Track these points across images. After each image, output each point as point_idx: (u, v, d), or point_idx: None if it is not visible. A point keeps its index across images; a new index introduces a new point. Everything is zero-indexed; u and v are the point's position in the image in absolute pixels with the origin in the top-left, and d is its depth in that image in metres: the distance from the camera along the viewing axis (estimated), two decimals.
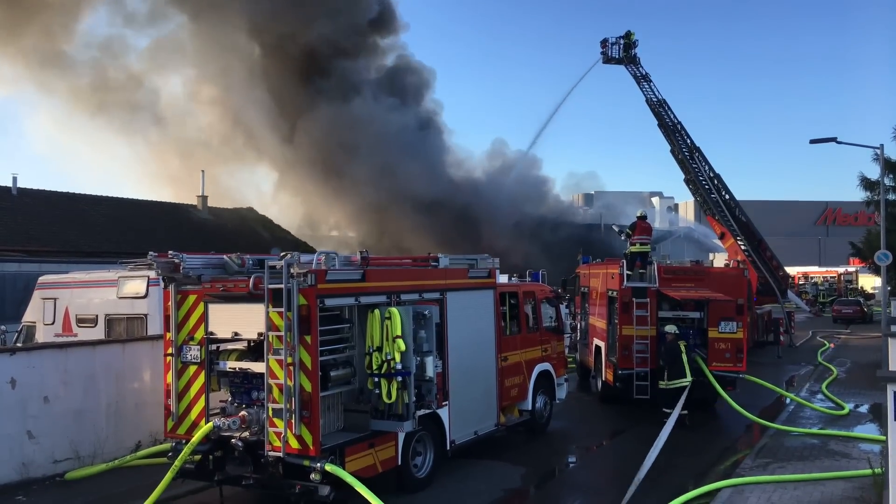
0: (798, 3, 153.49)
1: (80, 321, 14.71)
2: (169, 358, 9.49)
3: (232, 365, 9.22)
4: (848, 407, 15.47)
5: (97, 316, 14.41)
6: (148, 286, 13.59)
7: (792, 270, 44.65)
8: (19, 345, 14.63)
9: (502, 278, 13.66)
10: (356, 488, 8.10)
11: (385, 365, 8.87)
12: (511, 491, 10.53)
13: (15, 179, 30.75)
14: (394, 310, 8.99)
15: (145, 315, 13.64)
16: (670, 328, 14.79)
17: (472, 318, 11.45)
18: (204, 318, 9.28)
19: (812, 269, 62.10)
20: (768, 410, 15.72)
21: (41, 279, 16.07)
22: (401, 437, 9.56)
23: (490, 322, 12.02)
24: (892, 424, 6.19)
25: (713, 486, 9.81)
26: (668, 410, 13.50)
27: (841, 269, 59.06)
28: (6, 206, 29.12)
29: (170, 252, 9.24)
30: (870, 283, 55.28)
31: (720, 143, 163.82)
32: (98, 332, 14.08)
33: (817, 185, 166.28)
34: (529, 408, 13.19)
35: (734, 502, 9.27)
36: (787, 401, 16.65)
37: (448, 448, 10.62)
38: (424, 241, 35.29)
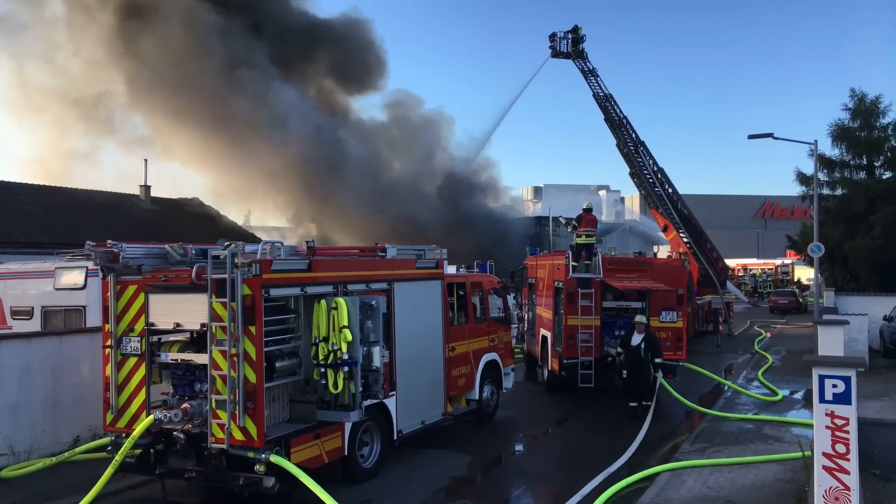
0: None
1: (14, 313, 14.27)
2: (108, 350, 9.26)
3: (174, 356, 9.07)
4: (782, 393, 16.11)
5: (33, 308, 14.00)
6: (86, 277, 13.26)
7: (732, 262, 46.10)
8: None
9: (450, 269, 13.74)
10: (301, 479, 8.07)
11: (331, 355, 8.84)
12: (457, 479, 10.65)
13: None
14: (340, 300, 8.96)
15: (84, 307, 13.31)
16: (640, 318, 14.68)
17: (419, 309, 11.49)
18: (144, 308, 9.09)
19: (751, 261, 64.25)
20: (707, 397, 16.24)
21: None
22: (347, 427, 9.56)
23: (437, 312, 12.09)
24: (818, 406, 6.49)
25: (652, 471, 10.11)
26: (633, 404, 13.92)
27: (778, 262, 61.27)
28: None
29: (108, 241, 9.02)
30: (805, 274, 57.38)
31: (664, 138, 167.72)
32: (34, 325, 13.67)
33: (756, 181, 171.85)
34: (476, 397, 13.32)
35: (672, 485, 9.57)
36: (725, 388, 17.23)
37: (395, 438, 10.67)
38: (369, 232, 35.12)
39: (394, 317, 10.70)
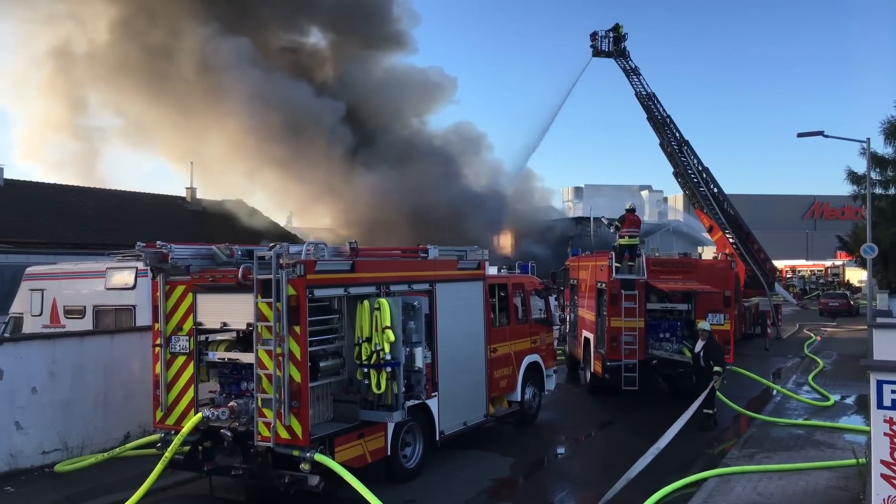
0: None
1: (67, 312, 14.66)
2: (157, 349, 9.47)
3: (221, 355, 9.23)
4: (834, 398, 15.65)
5: (85, 307, 14.36)
6: (136, 277, 13.56)
7: (780, 264, 45.07)
8: (6, 336, 14.54)
9: (492, 270, 13.70)
10: (345, 478, 8.12)
11: (374, 355, 8.88)
12: (499, 481, 10.59)
13: (1, 170, 30.53)
14: (383, 300, 8.99)
15: (134, 306, 13.61)
16: (703, 325, 14.15)
17: (461, 310, 11.48)
18: (192, 308, 9.26)
19: (799, 263, 62.69)
20: (755, 402, 15.87)
21: (28, 270, 15.99)
22: (390, 427, 9.60)
23: (479, 313, 12.05)
24: (876, 412, 6.27)
25: (700, 476, 9.91)
26: (708, 411, 13.42)
27: (828, 263, 59.65)
28: None
29: (158, 242, 9.21)
30: (856, 276, 55.75)
31: (709, 137, 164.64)
32: (86, 324, 14.03)
33: (805, 180, 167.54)
34: (518, 399, 13.25)
35: (720, 491, 9.36)
36: (774, 392, 16.81)
37: (437, 438, 10.67)
38: (412, 235, 35.13)
39: (436, 318, 10.70)
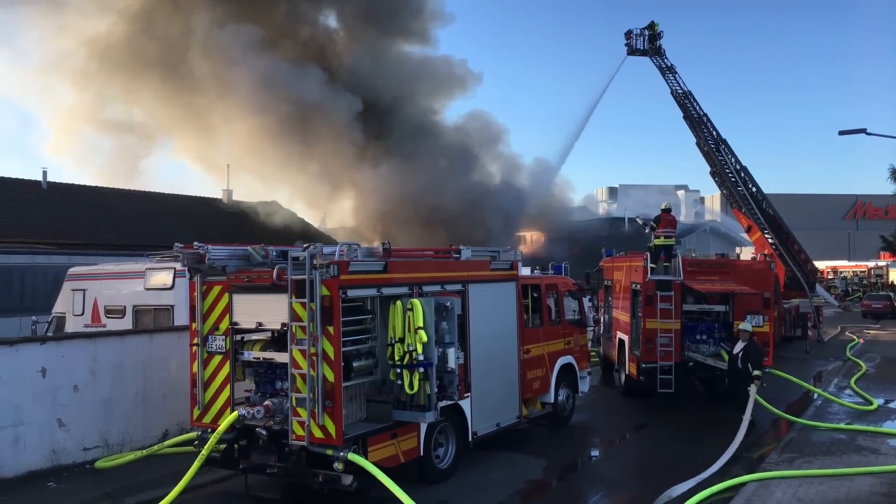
0: None
1: (108, 312, 14.97)
2: (195, 348, 9.62)
3: (256, 355, 9.34)
4: (877, 402, 15.23)
5: (125, 307, 14.65)
6: (174, 278, 13.78)
7: (820, 264, 44.00)
8: (49, 335, 14.92)
9: (524, 271, 13.62)
10: (379, 478, 8.16)
11: (407, 356, 8.89)
12: (533, 482, 10.53)
13: (45, 173, 31.39)
14: (416, 301, 9.01)
15: (172, 306, 13.83)
16: (744, 326, 13.72)
17: (494, 310, 11.44)
18: (228, 308, 9.39)
19: (841, 264, 61.12)
20: (795, 405, 15.53)
21: (71, 271, 16.37)
22: (423, 427, 9.60)
23: (512, 314, 12.00)
24: None
25: (739, 480, 9.72)
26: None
27: (871, 264, 58.08)
28: (36, 200, 29.69)
29: (195, 243, 9.35)
30: None
31: (747, 136, 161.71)
32: (126, 323, 14.32)
33: (847, 179, 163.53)
34: (552, 400, 13.16)
35: (759, 496, 9.17)
36: (815, 396, 16.42)
37: (470, 439, 10.64)
38: (442, 234, 34.94)
39: (468, 318, 10.68)
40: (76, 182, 33.44)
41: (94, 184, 34.40)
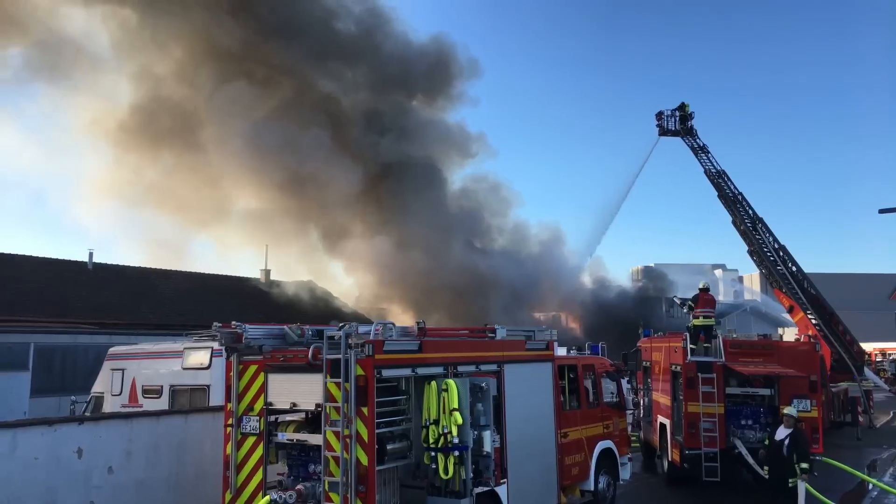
0: (849, 74, 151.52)
1: (145, 392, 15.05)
2: (229, 429, 9.58)
3: (290, 436, 9.24)
4: None
5: (162, 387, 14.72)
6: (211, 357, 13.88)
7: (867, 346, 42.51)
8: (87, 415, 15.01)
9: (560, 351, 13.44)
10: None
11: (442, 438, 8.73)
12: None
13: (91, 254, 32.38)
14: (451, 381, 8.91)
15: (208, 386, 13.86)
16: (789, 410, 12.78)
17: (530, 392, 11.23)
18: (264, 388, 9.39)
19: (890, 345, 58.91)
20: (850, 496, 14.78)
21: (111, 350, 16.60)
22: None
23: (549, 396, 11.76)
24: None
25: None
26: None
27: None
28: (82, 281, 30.53)
29: (233, 322, 9.46)
30: None
31: (784, 214, 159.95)
32: (162, 403, 14.35)
33: (890, 258, 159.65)
34: (591, 488, 12.69)
35: None
36: (870, 486, 15.58)
37: None
38: (474, 312, 34.68)
39: (504, 400, 10.48)
40: (122, 263, 34.42)
41: (139, 263, 35.36)
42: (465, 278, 36.67)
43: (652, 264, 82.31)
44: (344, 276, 42.15)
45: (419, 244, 36.71)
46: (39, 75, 33.03)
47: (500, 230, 44.51)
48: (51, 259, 31.47)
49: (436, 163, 41.38)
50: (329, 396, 8.58)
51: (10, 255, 30.08)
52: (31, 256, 30.99)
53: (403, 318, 36.86)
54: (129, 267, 34.12)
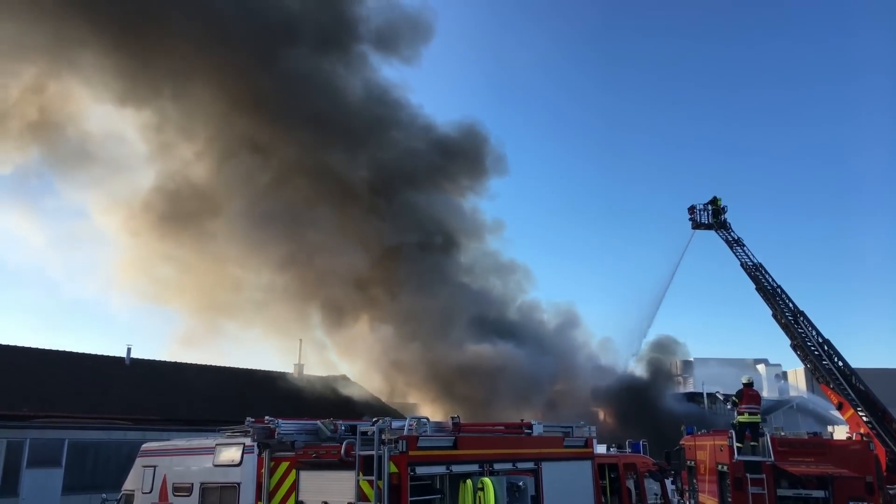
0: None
1: (176, 490, 14.79)
2: None
3: None
4: None
5: (192, 484, 14.47)
6: (243, 454, 13.67)
7: None
8: None
9: (600, 448, 13.00)
10: None
11: None
12: None
13: (129, 350, 32.78)
14: (487, 480, 8.63)
15: (238, 483, 13.59)
16: None
17: (569, 491, 10.79)
18: (295, 486, 9.19)
19: None
20: None
21: (143, 447, 16.48)
22: None
23: (589, 496, 11.27)
24: None
25: None
26: None
27: None
28: (119, 376, 30.77)
29: (266, 417, 9.39)
30: None
31: (823, 307, 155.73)
32: (192, 501, 14.07)
33: None
34: None
35: None
36: None
37: None
38: (508, 409, 33.86)
39: (542, 500, 10.09)
40: (157, 357, 34.72)
41: (173, 358, 35.62)
42: (478, 362, 36.27)
43: (691, 358, 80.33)
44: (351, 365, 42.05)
45: (429, 331, 36.64)
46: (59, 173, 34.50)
47: (519, 310, 44.09)
48: (89, 354, 31.90)
49: (454, 246, 41.54)
50: (361, 495, 8.36)
51: (45, 350, 30.59)
52: (68, 352, 31.49)
53: (424, 409, 36.32)
54: (164, 362, 34.38)
